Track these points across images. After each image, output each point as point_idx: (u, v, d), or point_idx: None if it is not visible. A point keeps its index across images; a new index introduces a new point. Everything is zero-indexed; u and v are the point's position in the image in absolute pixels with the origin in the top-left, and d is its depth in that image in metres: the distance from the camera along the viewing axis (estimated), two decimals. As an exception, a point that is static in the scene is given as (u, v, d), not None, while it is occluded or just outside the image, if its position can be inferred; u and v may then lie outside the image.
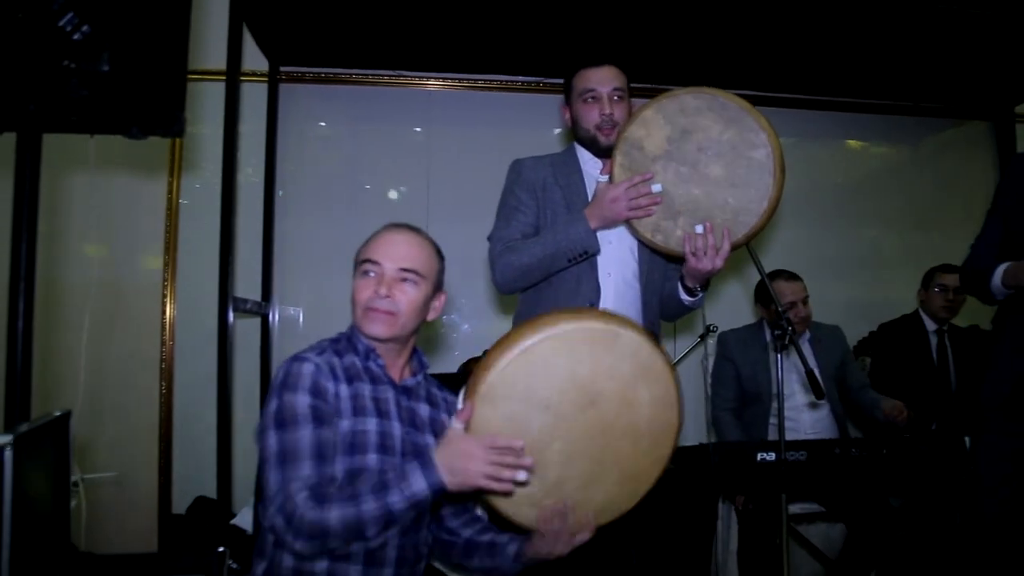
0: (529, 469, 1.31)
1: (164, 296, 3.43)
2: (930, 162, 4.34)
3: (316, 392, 1.39)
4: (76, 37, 1.29)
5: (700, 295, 2.02)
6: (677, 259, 1.93)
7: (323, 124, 3.77)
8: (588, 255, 1.94)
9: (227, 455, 2.74)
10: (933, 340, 3.40)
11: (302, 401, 1.37)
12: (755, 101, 4.00)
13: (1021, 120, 4.23)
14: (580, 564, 2.02)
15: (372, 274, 1.51)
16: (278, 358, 3.54)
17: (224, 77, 2.84)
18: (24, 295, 1.38)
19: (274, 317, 3.56)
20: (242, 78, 3.07)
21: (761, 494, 2.54)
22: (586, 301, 1.98)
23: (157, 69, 1.49)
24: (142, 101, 1.49)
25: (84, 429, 3.07)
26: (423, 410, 1.57)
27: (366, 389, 1.48)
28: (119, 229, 3.44)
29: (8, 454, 1.17)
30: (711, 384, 3.11)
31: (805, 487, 2.65)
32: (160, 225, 3.46)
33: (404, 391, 1.56)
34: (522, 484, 1.33)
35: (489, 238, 2.10)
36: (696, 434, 3.45)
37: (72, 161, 3.00)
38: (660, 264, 2.08)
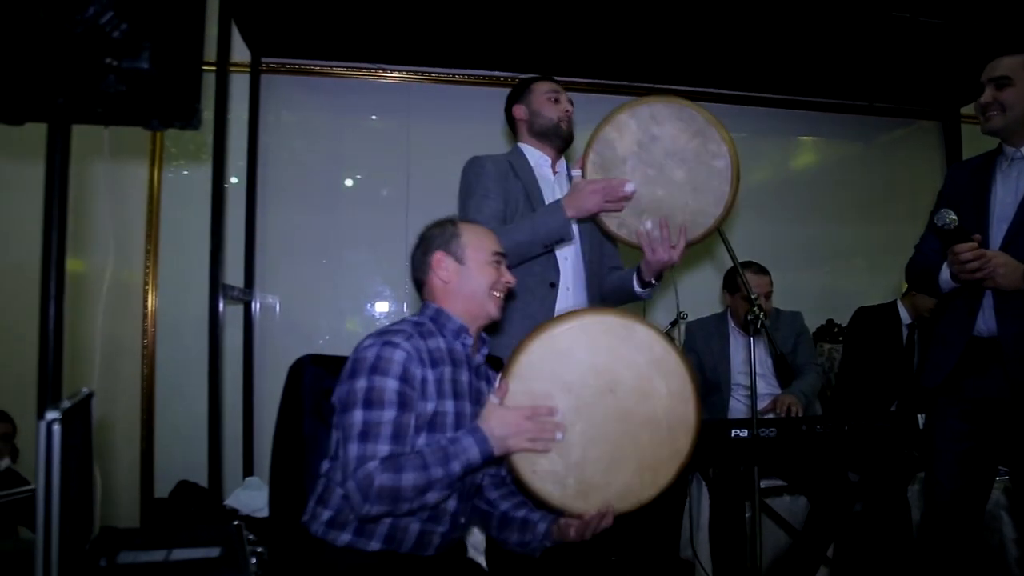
0: (562, 430, 1.52)
1: (146, 284, 3.44)
2: (882, 158, 4.54)
3: (405, 379, 1.52)
4: (115, 35, 1.35)
5: (651, 287, 2.20)
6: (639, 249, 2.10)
7: (303, 115, 3.81)
8: (561, 242, 2.10)
9: (217, 438, 2.79)
10: (905, 332, 3.63)
11: (391, 385, 1.50)
12: (712, 98, 4.20)
13: (967, 120, 4.44)
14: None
15: (499, 265, 1.71)
16: (259, 346, 3.58)
17: (210, 67, 2.87)
18: (56, 279, 1.44)
19: (256, 305, 3.60)
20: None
21: (733, 468, 2.69)
22: (547, 280, 2.17)
23: (179, 63, 1.55)
24: (164, 94, 1.55)
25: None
26: (484, 388, 1.73)
27: (447, 372, 1.61)
28: (101, 217, 3.43)
29: (57, 428, 1.23)
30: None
31: (773, 462, 2.81)
32: (142, 213, 3.46)
33: (475, 371, 1.72)
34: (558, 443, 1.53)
35: None
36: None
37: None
38: (597, 245, 2.30)
